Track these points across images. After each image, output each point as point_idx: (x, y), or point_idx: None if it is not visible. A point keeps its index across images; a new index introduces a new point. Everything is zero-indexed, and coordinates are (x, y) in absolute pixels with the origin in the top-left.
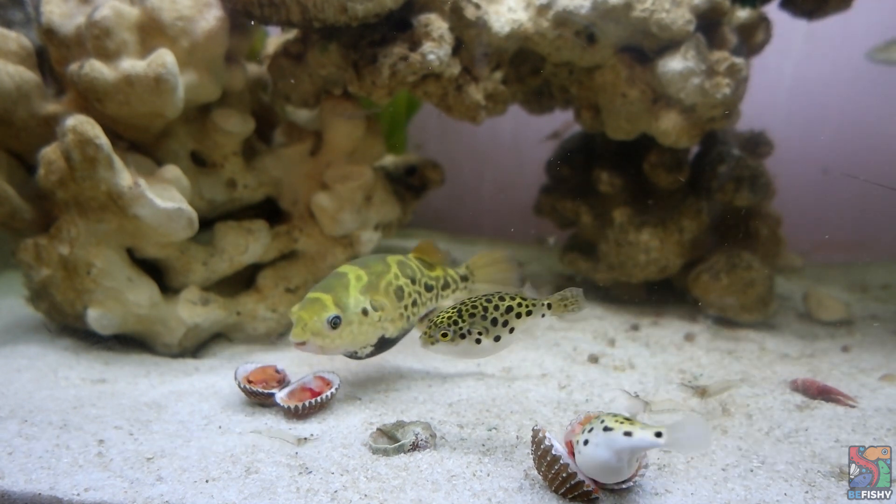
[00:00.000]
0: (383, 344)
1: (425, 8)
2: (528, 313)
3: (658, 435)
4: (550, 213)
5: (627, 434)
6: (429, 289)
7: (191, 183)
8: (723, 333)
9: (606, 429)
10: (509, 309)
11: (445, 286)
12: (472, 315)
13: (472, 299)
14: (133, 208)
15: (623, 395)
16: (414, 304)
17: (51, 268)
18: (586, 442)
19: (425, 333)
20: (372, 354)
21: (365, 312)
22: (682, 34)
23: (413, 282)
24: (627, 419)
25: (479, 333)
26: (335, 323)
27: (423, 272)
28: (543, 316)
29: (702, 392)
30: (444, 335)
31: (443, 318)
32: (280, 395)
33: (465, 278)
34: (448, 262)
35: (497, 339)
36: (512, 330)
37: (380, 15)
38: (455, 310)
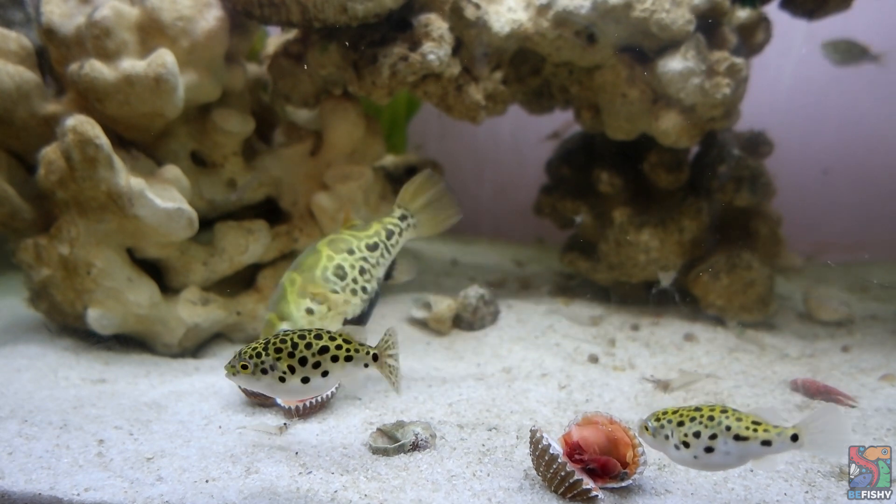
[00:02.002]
0: (353, 323)
1: (425, 8)
2: (348, 359)
3: (794, 439)
4: (550, 213)
5: (766, 443)
6: (372, 248)
7: (191, 183)
8: (745, 335)
9: (739, 438)
10: (324, 350)
11: (390, 235)
12: (279, 350)
13: (286, 333)
14: (133, 208)
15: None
16: (363, 271)
17: (51, 268)
18: (710, 450)
19: (229, 363)
20: None
21: (310, 311)
22: (682, 34)
23: (351, 252)
24: (754, 421)
25: (283, 372)
26: None
27: (359, 237)
28: (367, 366)
29: (664, 386)
30: (245, 367)
31: (248, 349)
32: (278, 399)
33: (403, 217)
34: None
35: (305, 380)
36: (325, 374)
37: (380, 15)
38: (264, 342)
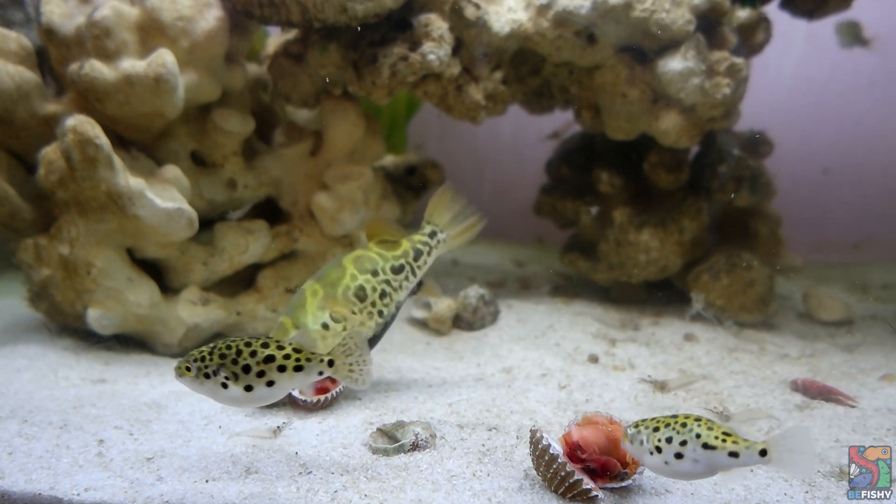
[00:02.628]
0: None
1: (425, 8)
2: (298, 369)
3: (763, 454)
4: (550, 213)
5: (733, 455)
6: (397, 270)
7: (191, 183)
8: (742, 334)
9: (707, 446)
10: (269, 359)
11: (418, 255)
12: (223, 356)
13: (233, 339)
14: (133, 208)
15: (624, 389)
16: (383, 294)
17: (51, 268)
18: (679, 455)
19: (177, 364)
20: None
21: (326, 327)
22: (682, 34)
23: (375, 273)
24: (725, 432)
25: (227, 378)
26: None
27: (386, 257)
28: (321, 374)
29: (661, 386)
30: (188, 369)
31: (196, 352)
32: (294, 393)
33: (433, 234)
34: (403, 232)
35: (249, 388)
36: (271, 383)
37: (380, 15)
38: (210, 347)
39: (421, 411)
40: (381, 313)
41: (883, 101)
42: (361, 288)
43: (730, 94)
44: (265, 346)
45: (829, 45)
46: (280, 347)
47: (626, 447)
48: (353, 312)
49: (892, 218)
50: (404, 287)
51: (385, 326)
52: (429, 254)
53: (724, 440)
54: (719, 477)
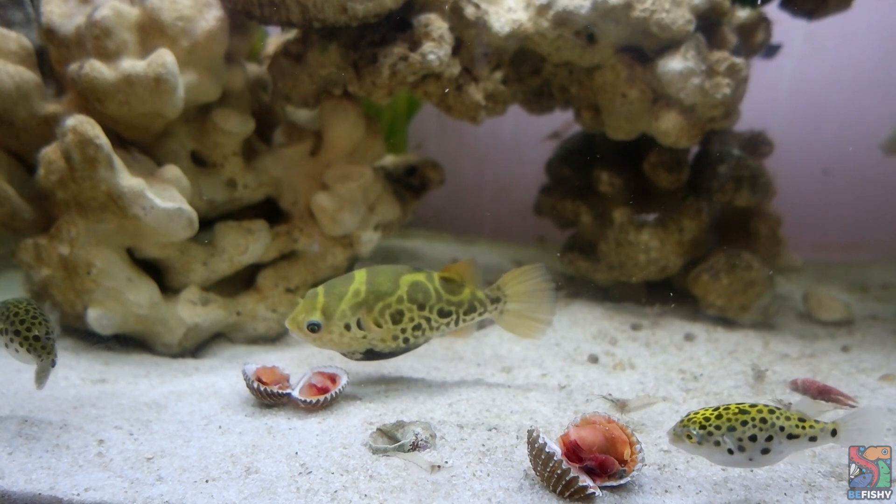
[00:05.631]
0: (373, 355)
1: (425, 8)
2: (6, 345)
3: (833, 433)
4: (550, 213)
5: (812, 439)
6: (444, 314)
7: (191, 183)
8: (723, 332)
9: (791, 436)
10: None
11: (470, 310)
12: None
13: (23, 302)
14: (133, 208)
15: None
16: (417, 327)
17: (51, 268)
18: (766, 451)
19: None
20: (362, 360)
21: (348, 328)
22: (682, 34)
23: (422, 307)
24: (800, 419)
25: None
26: (313, 329)
27: (442, 296)
28: (17, 351)
29: (622, 406)
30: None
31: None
32: (294, 393)
33: (495, 300)
34: (478, 282)
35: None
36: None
37: (380, 15)
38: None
39: (421, 411)
40: (406, 340)
41: (883, 100)
42: (401, 313)
43: (730, 94)
44: (7, 318)
45: (829, 45)
46: (11, 322)
47: (689, 448)
48: (378, 325)
49: (892, 218)
50: (442, 330)
51: (404, 351)
52: (481, 314)
53: (801, 427)
54: (719, 476)
